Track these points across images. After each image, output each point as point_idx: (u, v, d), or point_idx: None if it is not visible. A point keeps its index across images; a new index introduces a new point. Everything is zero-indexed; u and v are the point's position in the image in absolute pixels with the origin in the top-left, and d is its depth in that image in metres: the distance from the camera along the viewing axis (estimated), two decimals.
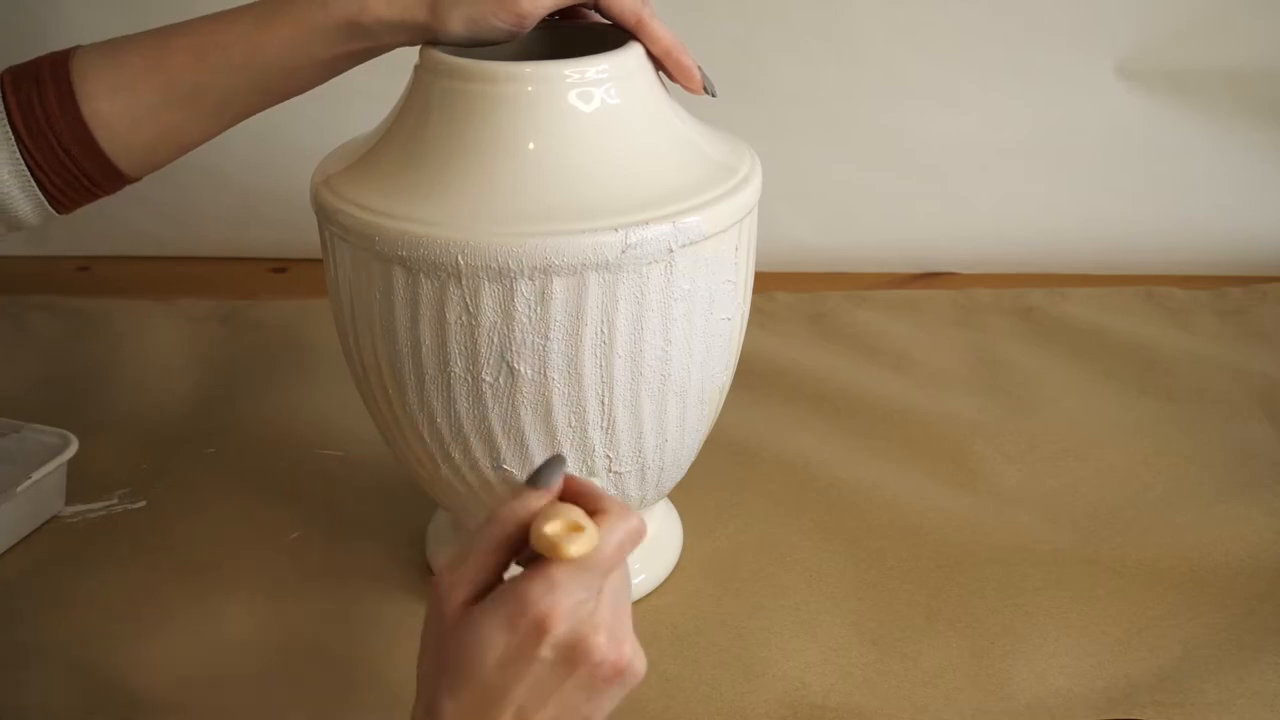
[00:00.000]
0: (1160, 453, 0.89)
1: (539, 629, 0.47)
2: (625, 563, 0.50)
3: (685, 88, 0.68)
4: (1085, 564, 0.78)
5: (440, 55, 0.65)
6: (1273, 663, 0.69)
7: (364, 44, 0.67)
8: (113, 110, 0.68)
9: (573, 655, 0.47)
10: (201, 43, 0.68)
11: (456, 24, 0.64)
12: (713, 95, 0.68)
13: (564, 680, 0.48)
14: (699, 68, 0.68)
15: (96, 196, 0.71)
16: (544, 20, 0.67)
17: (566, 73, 0.63)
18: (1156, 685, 0.68)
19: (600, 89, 0.63)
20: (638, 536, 0.50)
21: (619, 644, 0.48)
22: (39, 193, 0.69)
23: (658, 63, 0.67)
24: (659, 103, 0.66)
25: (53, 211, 0.70)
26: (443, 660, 0.49)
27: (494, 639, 0.47)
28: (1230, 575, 0.76)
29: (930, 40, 1.14)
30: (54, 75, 0.67)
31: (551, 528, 0.47)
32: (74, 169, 0.68)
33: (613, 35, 0.67)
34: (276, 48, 0.67)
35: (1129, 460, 0.88)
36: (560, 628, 0.47)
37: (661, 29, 0.66)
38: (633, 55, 0.65)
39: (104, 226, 1.26)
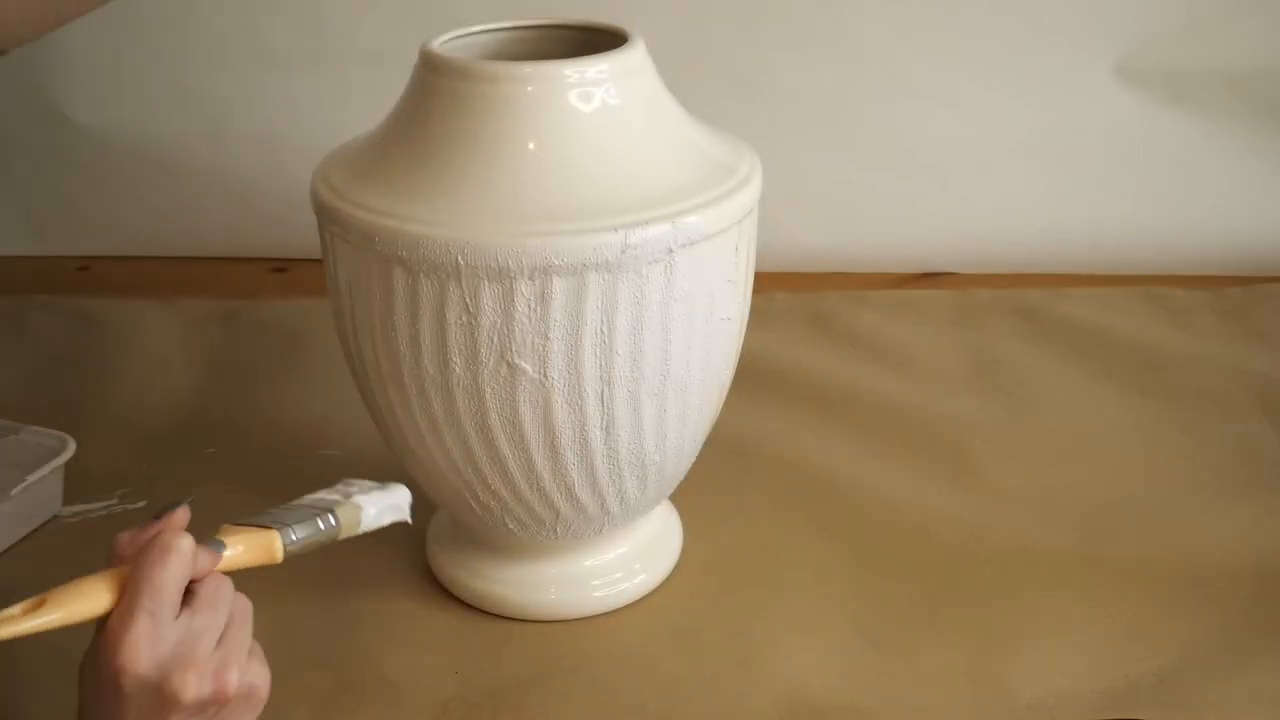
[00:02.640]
0: (1160, 453, 0.89)
1: (118, 671, 0.49)
2: (231, 595, 0.54)
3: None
4: (1085, 564, 0.78)
5: (440, 55, 0.65)
6: (1273, 663, 0.69)
7: None
8: None
9: (161, 698, 0.49)
10: None
11: None
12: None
13: None
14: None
15: None
16: (544, 20, 0.66)
17: (566, 73, 0.63)
18: (1156, 685, 0.68)
19: (600, 89, 0.63)
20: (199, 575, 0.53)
21: (219, 674, 0.51)
22: None
23: None
24: (659, 103, 0.66)
25: None
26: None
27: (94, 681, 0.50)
28: (1230, 575, 0.76)
29: (930, 40, 1.14)
30: None
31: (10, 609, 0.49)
32: None
33: (612, 35, 0.67)
34: None
35: (1129, 460, 0.88)
36: (139, 667, 0.49)
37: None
38: (633, 55, 0.65)
39: (104, 226, 1.26)
